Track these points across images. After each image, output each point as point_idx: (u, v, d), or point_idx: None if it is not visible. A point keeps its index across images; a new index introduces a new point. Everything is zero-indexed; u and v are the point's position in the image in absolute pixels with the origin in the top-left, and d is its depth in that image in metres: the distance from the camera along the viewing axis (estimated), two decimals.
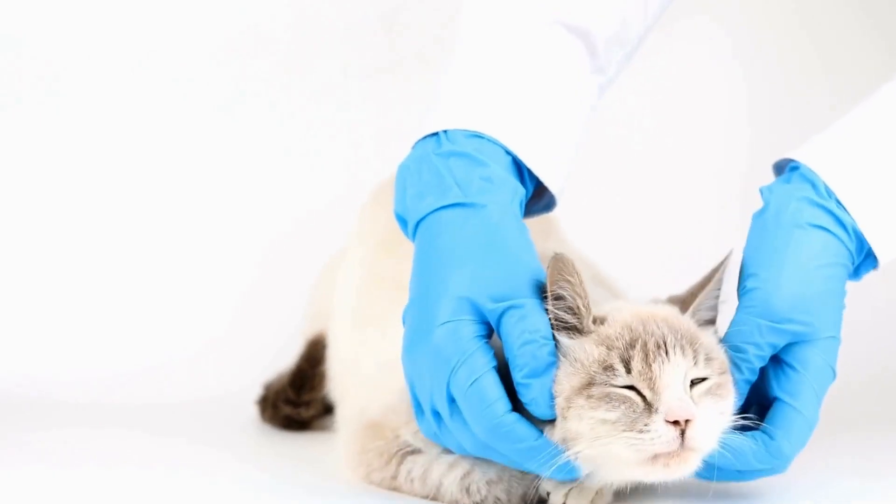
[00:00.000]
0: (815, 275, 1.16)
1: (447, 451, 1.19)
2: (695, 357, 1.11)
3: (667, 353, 1.10)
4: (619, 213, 1.93)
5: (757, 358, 1.15)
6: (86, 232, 1.91)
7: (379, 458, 1.22)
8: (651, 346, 1.10)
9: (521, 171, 1.22)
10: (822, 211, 1.17)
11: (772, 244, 1.17)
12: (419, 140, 1.23)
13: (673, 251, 1.87)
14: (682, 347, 1.11)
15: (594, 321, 1.13)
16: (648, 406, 1.09)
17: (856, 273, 1.22)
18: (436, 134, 1.22)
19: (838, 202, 1.18)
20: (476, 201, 1.17)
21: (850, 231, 1.18)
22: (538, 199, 1.27)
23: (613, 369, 1.10)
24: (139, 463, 1.41)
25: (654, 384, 1.09)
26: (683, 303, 1.18)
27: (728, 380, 1.13)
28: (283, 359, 1.65)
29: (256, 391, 1.64)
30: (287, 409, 1.59)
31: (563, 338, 1.13)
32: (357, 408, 1.31)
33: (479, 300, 1.13)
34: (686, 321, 1.15)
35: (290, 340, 1.67)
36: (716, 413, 1.11)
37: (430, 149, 1.21)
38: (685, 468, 1.10)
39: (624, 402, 1.09)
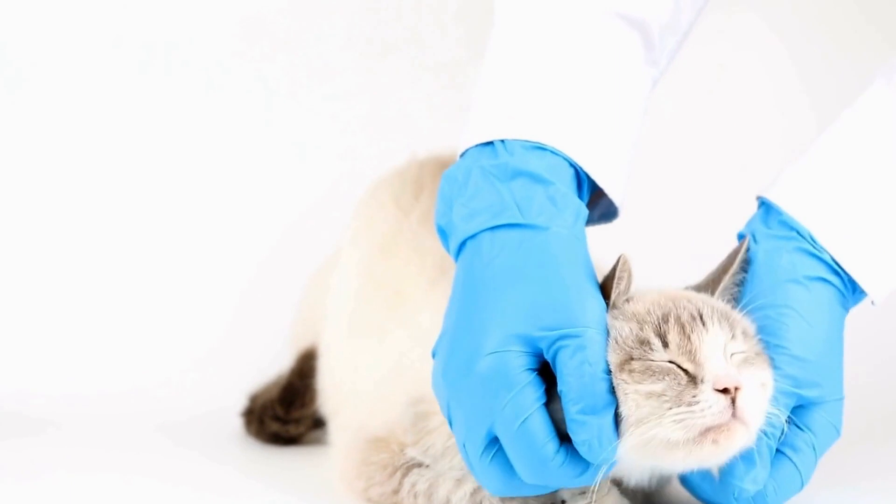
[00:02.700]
0: (819, 335, 1.13)
1: (456, 465, 1.15)
2: (732, 330, 1.08)
3: (704, 323, 1.07)
4: (636, 213, 1.83)
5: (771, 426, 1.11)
6: (66, 241, 1.88)
7: (382, 471, 1.17)
8: (686, 317, 1.07)
9: (580, 181, 1.15)
10: (815, 261, 1.14)
11: (771, 305, 1.13)
12: (470, 148, 1.14)
13: (692, 254, 1.74)
14: (718, 319, 1.07)
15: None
16: (693, 378, 1.04)
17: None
18: (490, 142, 1.14)
19: (821, 248, 1.15)
20: (536, 223, 1.09)
21: (845, 276, 1.15)
22: (593, 207, 1.20)
23: (649, 344, 1.06)
24: (120, 477, 1.38)
25: (694, 356, 1.05)
26: (707, 289, 1.14)
27: (763, 359, 1.09)
28: (270, 367, 1.61)
29: (241, 402, 1.59)
30: (275, 426, 1.55)
31: None
32: (356, 422, 1.27)
33: (530, 330, 1.05)
34: (716, 300, 1.12)
35: (277, 347, 1.64)
36: (759, 384, 1.07)
37: (486, 161, 1.13)
38: (734, 443, 1.05)
39: (668, 374, 1.04)
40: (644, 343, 1.05)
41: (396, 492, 1.16)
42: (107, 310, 1.86)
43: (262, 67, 1.90)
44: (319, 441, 1.50)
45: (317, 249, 1.64)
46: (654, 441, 1.04)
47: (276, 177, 1.91)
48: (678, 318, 1.06)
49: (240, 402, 1.59)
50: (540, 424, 1.04)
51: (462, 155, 1.16)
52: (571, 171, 1.13)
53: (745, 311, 1.12)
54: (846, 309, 1.16)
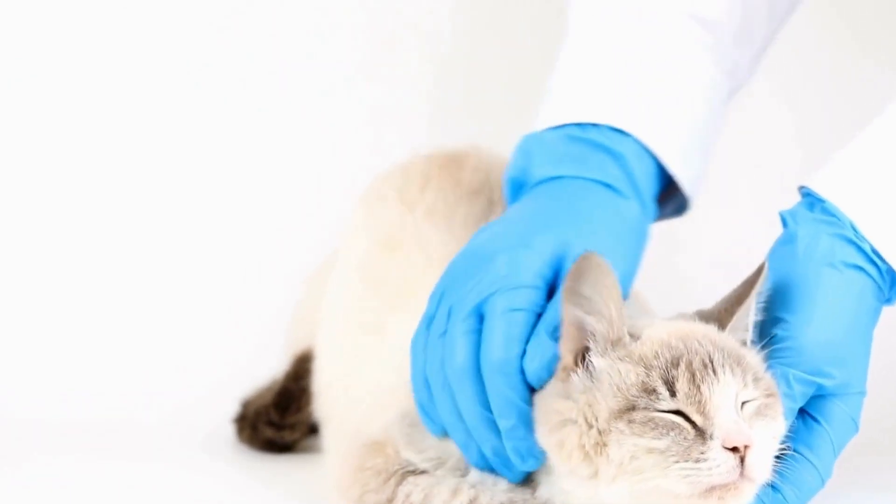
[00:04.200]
0: (849, 323, 1.11)
1: (452, 473, 1.13)
2: (744, 377, 1.04)
3: (715, 371, 1.03)
4: None
5: (791, 412, 1.09)
6: (56, 242, 1.85)
7: (376, 477, 1.13)
8: (697, 364, 1.03)
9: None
10: (854, 248, 1.13)
11: (802, 285, 1.12)
12: (556, 126, 1.23)
13: (702, 261, 1.83)
14: (730, 366, 1.04)
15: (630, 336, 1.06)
16: (701, 432, 1.01)
17: (888, 301, 1.17)
18: (576, 124, 1.23)
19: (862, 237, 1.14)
20: (620, 188, 1.19)
21: (884, 267, 1.14)
22: (663, 203, 1.28)
23: (656, 393, 1.02)
24: (106, 485, 1.37)
25: (704, 407, 1.02)
26: (718, 321, 1.10)
27: (775, 402, 1.06)
28: (263, 371, 1.58)
29: (233, 407, 1.55)
30: (269, 432, 1.51)
31: (596, 359, 1.05)
32: (353, 425, 1.24)
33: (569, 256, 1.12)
34: (728, 338, 1.08)
35: (271, 351, 1.61)
36: (770, 437, 1.05)
37: (574, 132, 1.22)
38: (741, 501, 1.02)
39: (672, 429, 1.01)
40: (650, 392, 1.02)
41: (391, 501, 1.12)
42: (96, 311, 1.83)
43: (258, 65, 1.88)
44: (314, 448, 1.48)
45: (314, 251, 1.61)
46: (656, 490, 1.01)
47: (271, 177, 1.88)
48: (689, 365, 1.02)
49: (232, 408, 1.55)
50: (524, 324, 1.08)
51: (545, 129, 1.24)
52: (652, 161, 1.22)
53: (773, 292, 1.11)
54: (881, 303, 1.14)
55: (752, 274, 1.10)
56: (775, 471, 1.05)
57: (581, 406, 1.03)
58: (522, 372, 1.07)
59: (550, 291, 1.11)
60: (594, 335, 1.04)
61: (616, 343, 1.04)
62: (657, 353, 1.04)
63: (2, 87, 1.83)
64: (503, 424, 1.07)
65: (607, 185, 1.18)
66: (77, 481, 1.39)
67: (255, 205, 1.87)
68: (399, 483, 1.12)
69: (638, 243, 1.19)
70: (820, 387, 1.09)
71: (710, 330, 1.08)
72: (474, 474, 1.12)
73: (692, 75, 1.26)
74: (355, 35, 1.87)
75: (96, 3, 1.85)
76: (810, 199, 1.16)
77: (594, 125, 1.21)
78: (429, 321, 1.13)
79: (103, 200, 1.85)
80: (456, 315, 1.10)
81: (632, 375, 1.03)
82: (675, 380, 1.02)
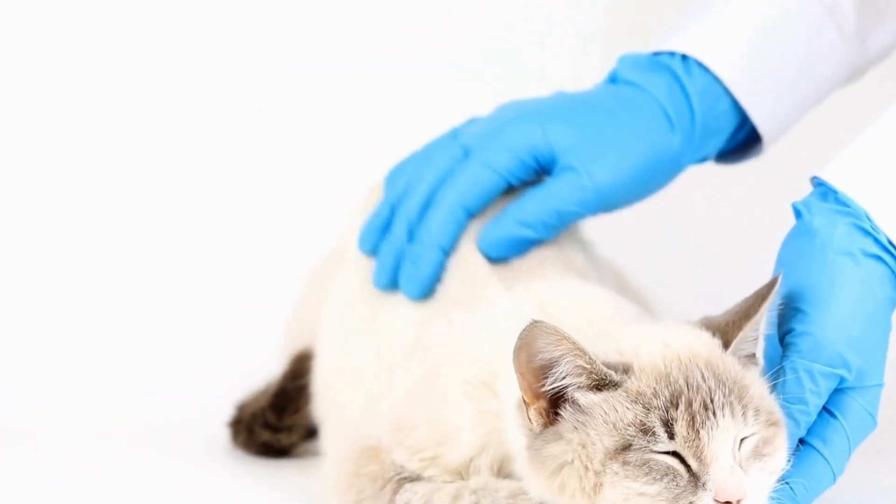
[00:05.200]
0: (868, 313, 1.10)
1: (450, 479, 1.12)
2: (744, 415, 1.02)
3: (715, 413, 1.01)
4: (646, 213, 1.76)
5: (815, 408, 1.09)
6: (52, 241, 1.85)
7: (372, 483, 1.13)
8: (697, 406, 1.01)
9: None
10: (871, 238, 1.12)
11: (821, 276, 1.11)
12: (655, 52, 1.31)
13: (703, 255, 1.81)
14: (731, 406, 1.02)
15: (616, 370, 1.03)
16: (694, 478, 1.00)
17: None
18: (672, 54, 1.31)
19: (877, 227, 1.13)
20: (673, 118, 1.26)
21: None
22: (750, 146, 1.36)
23: (654, 434, 1.00)
24: (100, 492, 1.36)
25: (701, 453, 1.00)
26: (724, 333, 1.08)
27: (776, 433, 1.04)
28: (259, 373, 1.55)
29: (227, 411, 1.53)
30: (265, 435, 1.49)
31: (583, 396, 1.02)
32: (350, 427, 1.23)
33: (565, 148, 1.22)
34: (730, 364, 1.05)
35: (267, 354, 1.59)
36: (766, 475, 1.03)
37: (664, 58, 1.29)
38: None
39: (666, 474, 1.00)
40: (648, 432, 1.00)
41: None
42: (94, 313, 1.82)
43: (258, 65, 1.87)
44: (311, 453, 1.46)
45: (314, 251, 1.59)
46: None
47: (271, 177, 1.88)
48: (689, 405, 1.00)
49: (227, 412, 1.53)
50: (487, 182, 1.22)
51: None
52: (728, 100, 1.29)
53: (790, 284, 1.10)
54: None
55: (763, 287, 1.08)
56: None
57: (574, 447, 1.01)
58: (466, 215, 1.22)
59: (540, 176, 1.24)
60: (569, 375, 1.02)
61: (603, 383, 1.02)
62: (656, 390, 1.01)
63: (2, 87, 1.83)
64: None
65: (663, 109, 1.26)
66: (74, 483, 1.38)
67: (256, 205, 1.86)
68: (396, 491, 1.11)
69: (656, 172, 1.26)
70: (841, 379, 1.08)
71: (713, 352, 1.05)
72: (475, 480, 1.10)
73: (795, 26, 1.31)
74: (355, 35, 1.86)
75: (96, 3, 1.85)
76: (823, 189, 1.14)
77: (683, 57, 1.28)
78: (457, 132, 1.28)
79: (103, 201, 1.85)
80: (464, 148, 1.25)
81: (629, 414, 1.01)
82: (674, 421, 1.00)
